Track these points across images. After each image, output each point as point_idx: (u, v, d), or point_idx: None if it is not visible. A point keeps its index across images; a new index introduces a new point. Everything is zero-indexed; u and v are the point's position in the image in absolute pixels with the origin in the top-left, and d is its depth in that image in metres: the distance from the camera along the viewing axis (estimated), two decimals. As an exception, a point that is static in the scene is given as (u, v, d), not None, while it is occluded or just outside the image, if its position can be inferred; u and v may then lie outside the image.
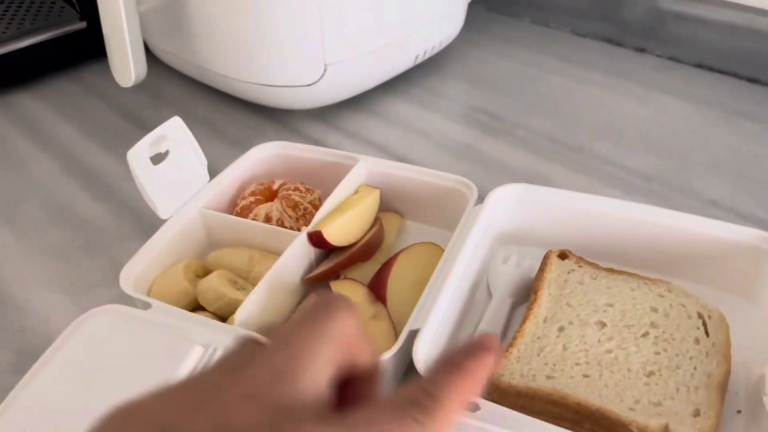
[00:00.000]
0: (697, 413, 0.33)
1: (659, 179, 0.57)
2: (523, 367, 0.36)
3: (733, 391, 0.37)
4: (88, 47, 0.77)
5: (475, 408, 0.32)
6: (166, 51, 0.69)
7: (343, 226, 0.45)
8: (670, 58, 0.75)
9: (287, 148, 0.53)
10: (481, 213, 0.44)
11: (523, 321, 0.39)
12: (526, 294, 0.43)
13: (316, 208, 0.48)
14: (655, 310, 0.39)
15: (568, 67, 0.75)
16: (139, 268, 0.42)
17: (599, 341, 0.37)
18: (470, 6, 0.75)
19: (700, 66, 0.74)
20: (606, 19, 0.79)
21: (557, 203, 0.46)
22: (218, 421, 0.17)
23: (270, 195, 0.49)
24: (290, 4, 0.57)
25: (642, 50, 0.77)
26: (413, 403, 0.19)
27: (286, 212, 0.47)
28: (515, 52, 0.79)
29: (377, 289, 0.42)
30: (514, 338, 0.38)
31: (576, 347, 0.37)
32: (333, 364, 0.20)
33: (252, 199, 0.48)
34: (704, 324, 0.38)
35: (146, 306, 0.39)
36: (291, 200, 0.48)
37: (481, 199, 0.46)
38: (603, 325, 0.38)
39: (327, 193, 0.47)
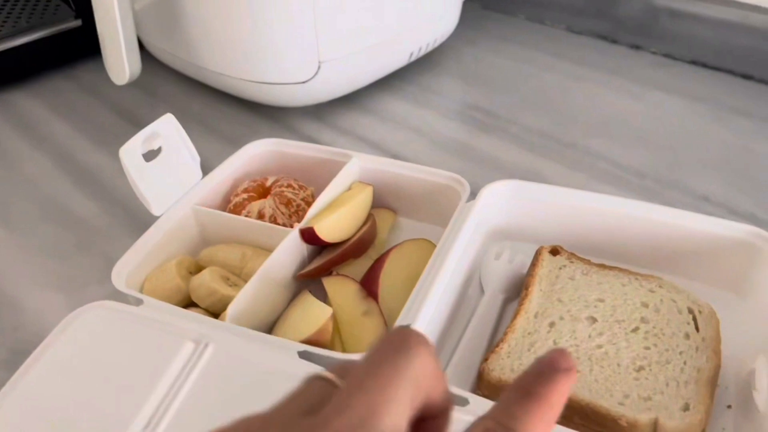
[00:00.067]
0: (686, 408, 0.34)
1: (653, 176, 0.57)
2: (513, 362, 0.36)
3: (724, 386, 0.37)
4: (83, 45, 0.77)
5: (465, 402, 0.32)
6: (160, 49, 0.69)
7: (335, 223, 0.45)
8: (665, 55, 0.75)
9: (280, 145, 0.53)
10: (473, 209, 0.44)
11: (514, 316, 0.39)
12: (518, 290, 0.44)
13: (309, 204, 0.48)
14: (645, 305, 0.39)
15: (563, 64, 0.75)
16: (131, 265, 0.42)
17: (590, 336, 0.37)
18: (465, 3, 0.75)
19: (694, 63, 0.74)
20: (601, 16, 0.79)
21: (549, 199, 0.46)
22: None
23: (263, 192, 0.49)
24: (284, 2, 0.57)
25: (637, 47, 0.77)
26: None
27: (279, 209, 0.47)
28: (510, 49, 0.79)
29: (369, 285, 0.42)
30: (505, 333, 0.38)
31: (566, 342, 0.37)
32: (413, 406, 0.19)
33: (245, 195, 0.48)
34: (694, 319, 0.38)
35: (138, 302, 0.39)
36: (284, 197, 0.48)
37: (474, 196, 0.46)
38: (594, 320, 0.38)
39: (320, 190, 0.47)
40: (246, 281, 0.40)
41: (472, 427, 0.19)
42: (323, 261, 0.45)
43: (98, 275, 0.49)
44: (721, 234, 0.42)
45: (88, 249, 0.51)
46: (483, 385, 0.36)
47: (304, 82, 0.61)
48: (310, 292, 0.43)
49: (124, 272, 0.41)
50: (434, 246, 0.44)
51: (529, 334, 0.38)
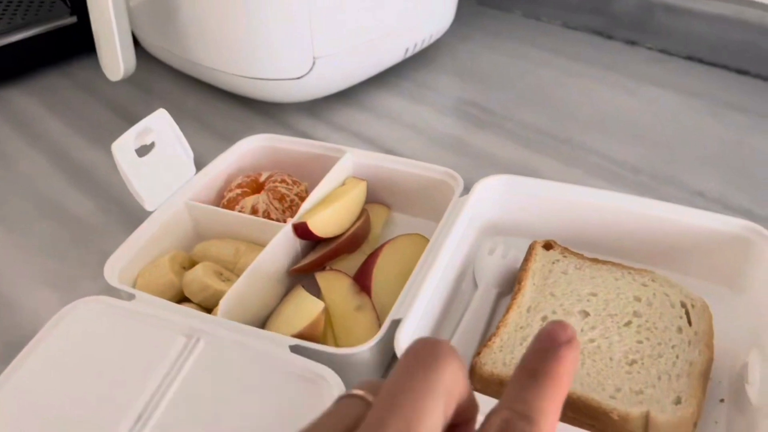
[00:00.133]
0: (678, 401, 0.33)
1: (648, 171, 0.57)
2: (505, 356, 0.36)
3: (717, 380, 0.37)
4: (78, 42, 0.77)
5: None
6: (155, 45, 0.69)
7: (328, 218, 0.45)
8: (661, 51, 0.75)
9: (274, 141, 0.53)
10: (466, 204, 0.44)
11: (507, 310, 0.39)
12: (511, 284, 0.43)
13: (303, 200, 0.48)
14: (638, 299, 0.39)
15: (559, 59, 0.75)
16: (124, 260, 0.42)
17: (582, 330, 0.37)
18: (461, 0, 0.75)
19: (690, 58, 0.74)
20: (596, 12, 0.79)
21: (543, 194, 0.46)
22: None
23: (257, 187, 0.49)
24: (278, -3, 0.57)
25: (632, 43, 0.77)
26: None
27: (272, 204, 0.47)
28: (506, 45, 0.79)
29: (362, 280, 0.42)
30: (497, 327, 0.38)
31: (559, 336, 0.37)
32: (445, 418, 0.19)
33: (238, 191, 0.48)
34: (687, 313, 0.38)
35: (130, 297, 0.39)
36: (277, 192, 0.48)
37: (468, 191, 0.46)
38: (586, 314, 0.38)
39: (314, 186, 0.47)
40: (239, 276, 0.40)
41: (488, 421, 0.19)
42: (316, 256, 0.45)
43: (92, 272, 0.48)
44: (715, 228, 0.42)
45: (82, 246, 0.51)
46: (475, 379, 0.36)
47: (298, 78, 0.61)
48: (303, 287, 0.42)
49: (117, 267, 0.41)
50: (428, 241, 0.44)
51: (521, 328, 0.38)
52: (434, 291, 0.39)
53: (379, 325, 0.39)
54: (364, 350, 0.35)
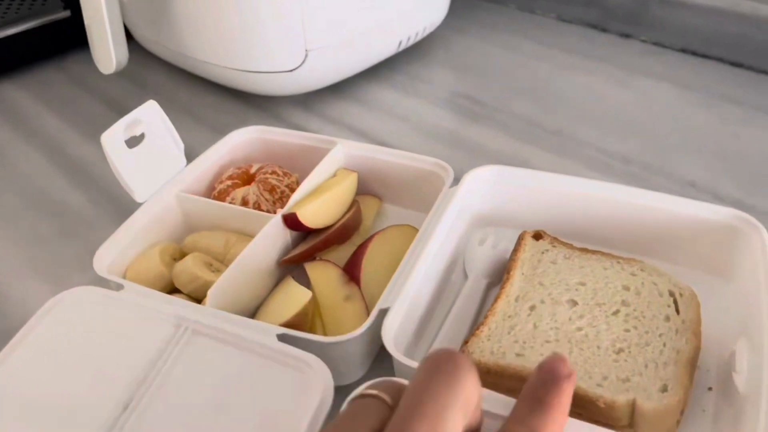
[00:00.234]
0: (664, 389, 0.33)
1: (640, 162, 0.57)
2: (493, 345, 0.36)
3: (705, 368, 0.37)
4: (72, 36, 0.77)
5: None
6: (148, 38, 0.69)
7: (318, 209, 0.45)
8: (655, 44, 0.75)
9: (265, 133, 0.53)
10: (456, 194, 0.44)
11: (495, 300, 0.39)
12: (501, 275, 0.43)
13: (294, 191, 0.48)
14: (626, 288, 0.39)
15: (553, 52, 0.75)
16: (114, 252, 0.42)
17: (570, 319, 0.37)
18: (455, -8, 0.75)
19: (684, 51, 0.73)
20: (591, 5, 0.79)
21: (533, 184, 0.46)
22: None
23: (247, 179, 0.49)
24: (270, -11, 0.56)
25: (626, 35, 0.77)
26: None
27: (263, 195, 0.47)
28: (500, 38, 0.79)
29: (351, 270, 0.42)
30: (485, 317, 0.38)
31: (546, 325, 0.37)
32: (462, 428, 0.20)
33: (229, 182, 0.48)
34: (675, 302, 0.38)
35: (119, 288, 0.39)
36: (268, 184, 0.48)
37: (458, 182, 0.46)
38: (574, 303, 0.38)
39: (305, 177, 0.47)
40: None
41: None
42: (307, 247, 0.45)
43: (82, 263, 0.48)
44: (704, 217, 0.42)
45: (72, 237, 0.51)
46: (463, 367, 0.36)
47: (291, 71, 0.61)
48: (293, 277, 0.43)
49: (107, 258, 0.41)
50: (418, 231, 0.44)
51: (509, 317, 0.38)
52: (423, 281, 0.39)
53: (368, 315, 0.39)
54: (351, 339, 0.35)
